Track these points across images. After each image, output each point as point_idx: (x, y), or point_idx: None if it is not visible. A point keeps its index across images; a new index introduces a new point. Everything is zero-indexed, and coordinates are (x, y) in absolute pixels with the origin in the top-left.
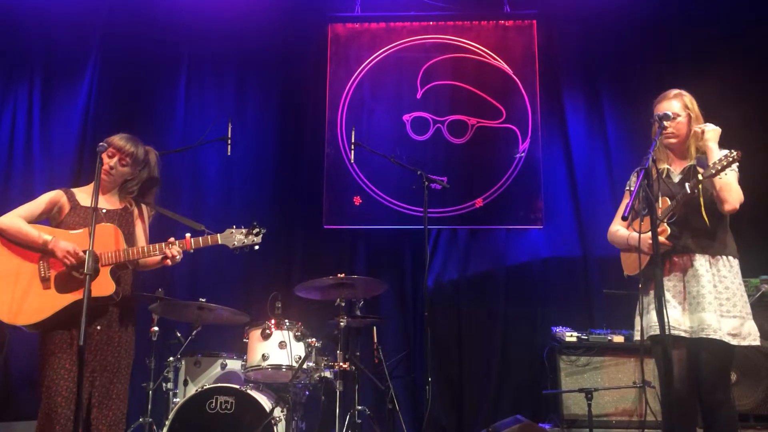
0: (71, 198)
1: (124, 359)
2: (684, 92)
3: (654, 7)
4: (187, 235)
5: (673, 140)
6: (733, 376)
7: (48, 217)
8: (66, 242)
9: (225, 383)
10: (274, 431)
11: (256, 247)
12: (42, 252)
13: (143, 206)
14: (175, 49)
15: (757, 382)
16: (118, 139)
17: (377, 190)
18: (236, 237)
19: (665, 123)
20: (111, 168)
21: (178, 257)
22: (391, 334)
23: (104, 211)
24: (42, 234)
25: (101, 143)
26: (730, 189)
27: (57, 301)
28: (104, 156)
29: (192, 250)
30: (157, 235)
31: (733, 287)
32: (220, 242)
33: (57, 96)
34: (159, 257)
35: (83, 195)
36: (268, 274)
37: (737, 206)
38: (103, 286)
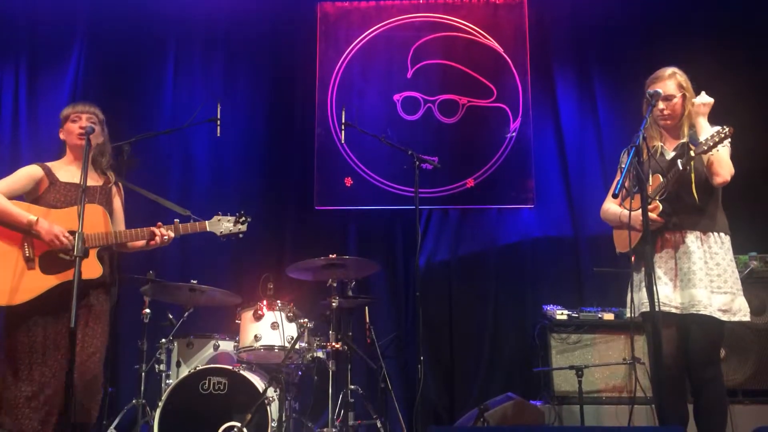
0: (49, 173)
1: (98, 338)
2: (678, 71)
3: None
4: (176, 220)
5: (669, 122)
6: (722, 352)
7: (24, 193)
8: (52, 225)
9: (218, 364)
10: (267, 411)
11: (241, 236)
12: (26, 232)
13: (120, 184)
14: (162, 29)
15: (746, 358)
16: (73, 105)
17: (368, 171)
18: (223, 224)
19: (658, 102)
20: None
21: (169, 235)
22: (383, 314)
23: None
24: (27, 214)
25: (85, 126)
26: (721, 162)
27: (43, 282)
28: (73, 119)
29: (179, 236)
30: (144, 219)
31: (724, 263)
32: (208, 229)
33: (43, 79)
34: (144, 241)
35: (62, 171)
36: (259, 256)
37: (728, 178)
38: (91, 268)
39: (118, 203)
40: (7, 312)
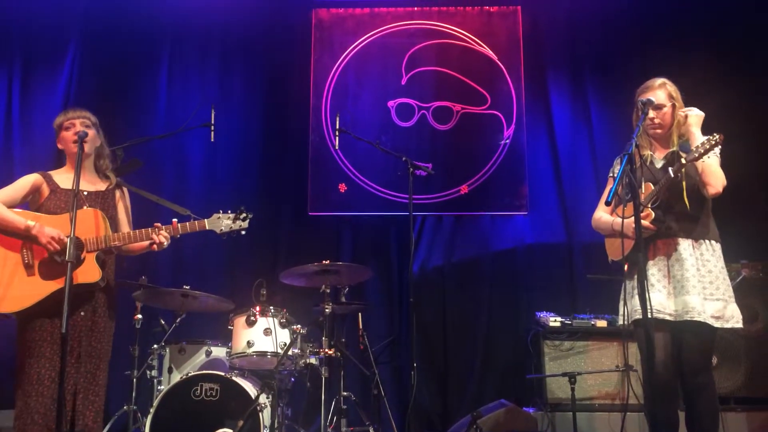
0: (50, 181)
1: (105, 345)
2: (668, 81)
3: None
4: (174, 220)
5: (659, 131)
6: (714, 360)
7: (27, 201)
8: (50, 228)
9: (210, 370)
10: (259, 418)
11: (243, 233)
12: (25, 238)
13: (124, 188)
14: (157, 33)
15: (737, 365)
16: (65, 112)
17: (362, 177)
18: (223, 222)
19: (649, 110)
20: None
21: (165, 243)
22: (376, 321)
23: (86, 193)
24: (25, 220)
25: (78, 131)
26: (713, 173)
27: (42, 288)
28: (67, 126)
29: (178, 236)
30: (143, 220)
31: (716, 270)
32: (207, 228)
33: (37, 82)
34: (146, 243)
35: (62, 177)
36: (252, 261)
37: (720, 189)
38: (89, 272)
39: (122, 207)
40: (17, 317)
